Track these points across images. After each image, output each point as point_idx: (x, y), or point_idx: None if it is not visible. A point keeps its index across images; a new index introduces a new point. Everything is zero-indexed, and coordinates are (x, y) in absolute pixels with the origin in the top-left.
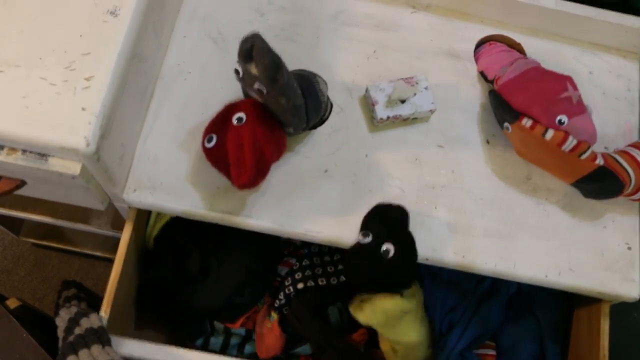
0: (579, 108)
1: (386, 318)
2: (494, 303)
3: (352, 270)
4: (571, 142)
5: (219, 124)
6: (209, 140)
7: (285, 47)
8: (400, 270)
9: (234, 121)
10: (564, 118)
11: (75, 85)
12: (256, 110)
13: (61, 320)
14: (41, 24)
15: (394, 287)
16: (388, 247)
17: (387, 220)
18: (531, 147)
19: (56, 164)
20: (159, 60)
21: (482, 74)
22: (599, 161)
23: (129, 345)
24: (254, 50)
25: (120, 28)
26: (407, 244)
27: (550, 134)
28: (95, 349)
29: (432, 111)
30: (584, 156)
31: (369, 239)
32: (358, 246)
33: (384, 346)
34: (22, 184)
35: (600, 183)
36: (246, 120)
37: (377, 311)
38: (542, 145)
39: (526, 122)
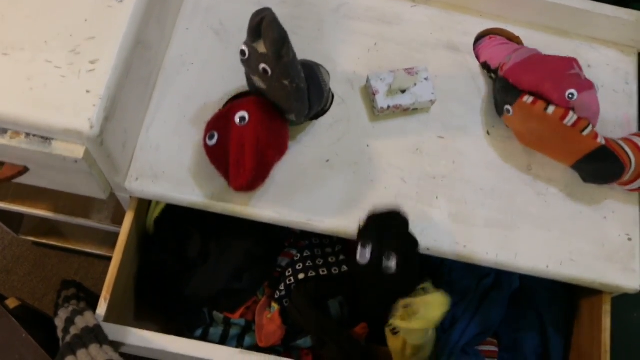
0: (587, 83)
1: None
2: (496, 299)
3: (360, 291)
4: (572, 116)
5: (221, 121)
6: (211, 138)
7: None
8: (404, 280)
9: (237, 120)
10: (574, 92)
11: (80, 68)
12: (259, 110)
13: (60, 321)
14: (46, 8)
15: (402, 295)
16: (389, 263)
17: (385, 232)
18: (532, 126)
19: (60, 148)
20: (162, 50)
21: (484, 65)
22: (600, 140)
23: (128, 335)
24: (263, 22)
25: (125, 13)
26: (408, 253)
27: (552, 108)
28: (93, 348)
29: (432, 102)
30: (585, 132)
31: (367, 258)
32: (359, 266)
33: (394, 344)
34: (24, 170)
35: (601, 163)
36: (249, 120)
37: (433, 312)
38: (543, 122)
39: (527, 99)
